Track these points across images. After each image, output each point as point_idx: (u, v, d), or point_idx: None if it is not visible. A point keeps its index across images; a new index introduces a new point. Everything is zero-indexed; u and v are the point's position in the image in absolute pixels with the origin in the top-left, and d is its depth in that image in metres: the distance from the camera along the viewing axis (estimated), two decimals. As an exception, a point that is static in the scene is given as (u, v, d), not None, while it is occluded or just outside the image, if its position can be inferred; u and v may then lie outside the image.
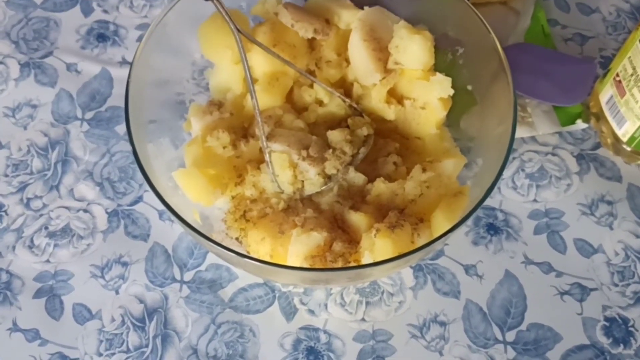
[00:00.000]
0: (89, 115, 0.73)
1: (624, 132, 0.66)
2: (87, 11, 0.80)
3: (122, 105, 0.58)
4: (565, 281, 0.63)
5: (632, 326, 0.61)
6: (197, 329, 0.61)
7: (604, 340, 0.61)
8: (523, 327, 0.61)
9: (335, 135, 0.61)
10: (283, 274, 0.54)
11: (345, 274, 0.53)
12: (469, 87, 0.64)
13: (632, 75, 0.63)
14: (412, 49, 0.59)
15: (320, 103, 0.65)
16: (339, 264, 0.55)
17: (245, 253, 0.59)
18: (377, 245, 0.53)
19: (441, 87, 0.59)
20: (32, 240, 0.66)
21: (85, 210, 0.67)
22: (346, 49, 0.64)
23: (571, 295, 0.63)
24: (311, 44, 0.65)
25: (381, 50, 0.62)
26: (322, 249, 0.56)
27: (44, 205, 0.68)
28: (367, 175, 0.61)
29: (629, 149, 0.67)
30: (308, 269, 0.54)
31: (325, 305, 0.62)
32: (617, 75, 0.65)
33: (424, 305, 0.62)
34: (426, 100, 0.61)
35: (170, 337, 0.61)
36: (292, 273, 0.53)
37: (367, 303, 0.62)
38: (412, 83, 0.61)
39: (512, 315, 0.62)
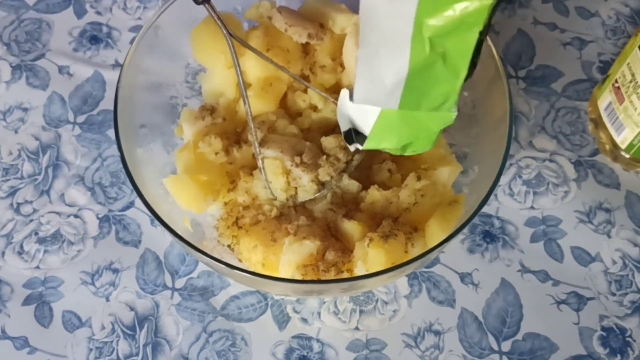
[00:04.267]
0: (80, 118, 0.72)
1: (623, 139, 0.65)
2: (80, 13, 0.79)
3: (114, 109, 0.57)
4: (562, 290, 0.62)
5: (630, 336, 0.60)
6: (188, 337, 0.60)
7: (600, 351, 0.60)
8: (519, 336, 0.60)
9: (329, 142, 0.60)
10: (274, 285, 0.53)
11: (338, 285, 0.52)
12: (465, 93, 0.63)
13: (631, 81, 0.62)
14: (407, 55, 0.58)
15: (314, 108, 0.64)
16: (332, 274, 0.54)
17: (236, 262, 0.58)
18: (370, 255, 0.53)
19: (437, 93, 0.58)
20: (21, 246, 0.65)
21: (76, 216, 0.66)
22: (341, 54, 0.63)
23: (568, 304, 0.62)
24: (305, 48, 0.64)
25: (376, 55, 0.61)
26: (315, 258, 0.55)
27: (34, 211, 0.67)
28: (362, 183, 0.60)
29: (627, 156, 0.66)
30: (299, 281, 0.53)
31: (319, 313, 0.61)
32: (616, 81, 0.64)
33: (418, 314, 0.61)
34: (422, 107, 0.60)
35: (161, 345, 0.60)
36: (283, 284, 0.52)
37: (361, 312, 0.61)
38: (407, 89, 0.60)
39: (507, 324, 0.61)
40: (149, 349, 0.60)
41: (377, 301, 0.62)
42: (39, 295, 0.62)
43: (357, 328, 0.61)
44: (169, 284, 0.63)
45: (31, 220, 0.66)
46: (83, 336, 0.61)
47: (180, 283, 0.63)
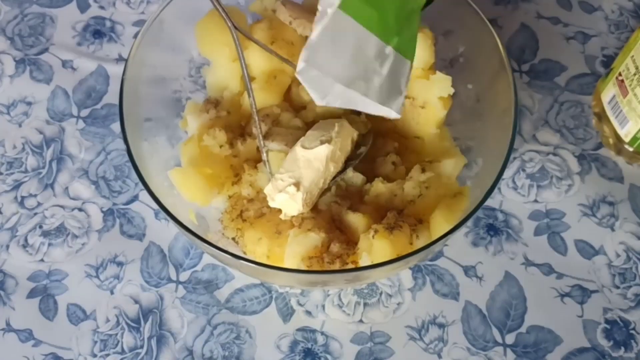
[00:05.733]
0: (84, 112, 0.72)
1: (626, 132, 0.65)
2: (83, 7, 0.79)
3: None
4: (566, 283, 0.62)
5: (633, 329, 0.60)
6: (192, 330, 0.60)
7: (604, 343, 0.60)
8: (523, 329, 0.60)
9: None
10: (279, 276, 0.53)
11: (343, 276, 0.52)
12: (470, 86, 0.63)
13: (634, 74, 0.62)
14: (412, 47, 0.58)
15: (318, 101, 0.64)
16: (337, 266, 0.54)
17: (241, 254, 0.58)
18: (375, 246, 0.53)
19: (441, 86, 0.58)
20: (26, 239, 0.65)
21: (80, 209, 0.66)
22: (345, 47, 0.63)
23: (572, 297, 0.62)
24: (309, 41, 0.64)
25: (380, 48, 0.61)
26: (320, 250, 0.55)
27: (39, 204, 0.67)
28: (366, 175, 0.60)
29: (631, 149, 0.66)
30: (304, 271, 0.53)
31: (323, 306, 0.61)
32: (620, 74, 0.64)
33: (422, 307, 0.61)
34: (426, 99, 0.60)
35: (165, 338, 0.60)
36: (288, 275, 0.52)
37: (365, 304, 0.61)
38: (411, 82, 0.60)
39: (511, 317, 0.61)
40: (153, 342, 0.60)
41: (381, 294, 0.62)
42: (44, 288, 0.63)
43: (361, 321, 0.61)
44: (174, 277, 0.63)
45: (35, 214, 0.66)
46: (88, 329, 0.61)
47: (184, 276, 0.63)
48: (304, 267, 0.54)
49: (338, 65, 0.47)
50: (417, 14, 0.52)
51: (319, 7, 0.46)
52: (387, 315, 0.61)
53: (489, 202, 0.66)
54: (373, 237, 0.53)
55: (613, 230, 0.65)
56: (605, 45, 0.76)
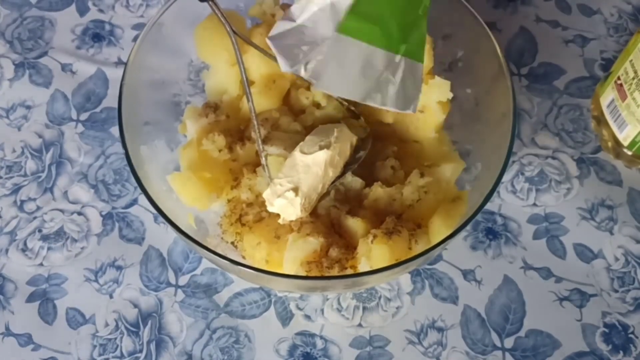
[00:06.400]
0: (83, 116, 0.72)
1: (625, 136, 0.65)
2: (82, 10, 0.79)
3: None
4: (565, 287, 0.63)
5: (632, 333, 0.60)
6: (191, 334, 0.60)
7: (603, 347, 0.60)
8: (522, 333, 0.60)
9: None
10: (278, 281, 0.53)
11: (342, 281, 0.52)
12: (468, 90, 0.63)
13: (633, 78, 0.62)
14: (410, 52, 0.58)
15: (317, 106, 0.64)
16: (335, 270, 0.54)
17: (239, 260, 0.58)
18: (374, 251, 0.53)
19: (440, 90, 0.59)
20: (25, 243, 0.65)
21: (80, 213, 0.67)
22: (344, 51, 0.63)
23: (571, 301, 0.62)
24: (309, 45, 0.64)
25: (379, 52, 0.61)
26: (319, 254, 0.55)
27: (38, 208, 0.67)
28: (365, 179, 0.60)
29: (629, 153, 0.66)
30: (303, 277, 0.53)
31: (322, 310, 0.61)
32: (619, 78, 0.64)
33: (421, 311, 0.61)
34: (425, 104, 0.60)
35: (164, 342, 0.60)
36: (287, 281, 0.52)
37: (364, 308, 0.61)
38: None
39: (510, 321, 0.61)
40: (152, 346, 0.60)
41: (380, 298, 0.62)
42: (43, 292, 0.63)
43: (360, 325, 0.61)
44: (173, 281, 0.63)
45: (35, 218, 0.66)
46: (87, 333, 0.61)
47: (183, 280, 0.63)
48: (302, 272, 0.54)
49: (348, 84, 0.51)
50: (424, 17, 0.54)
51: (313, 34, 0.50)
52: (386, 319, 0.61)
53: (488, 206, 0.65)
54: (372, 242, 0.53)
55: (612, 234, 0.65)
56: (605, 48, 0.76)
